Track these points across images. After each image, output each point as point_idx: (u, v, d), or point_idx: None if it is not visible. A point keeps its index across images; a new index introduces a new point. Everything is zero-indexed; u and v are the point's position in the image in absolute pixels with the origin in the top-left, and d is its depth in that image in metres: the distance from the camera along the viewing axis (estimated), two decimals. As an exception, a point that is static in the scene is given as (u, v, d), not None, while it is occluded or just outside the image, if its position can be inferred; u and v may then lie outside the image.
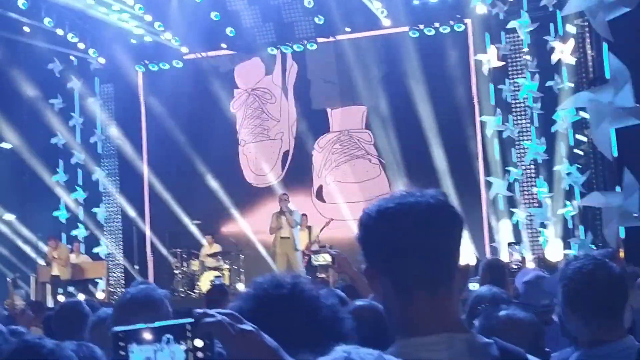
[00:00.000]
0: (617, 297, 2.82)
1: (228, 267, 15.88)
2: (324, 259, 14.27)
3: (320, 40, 17.52)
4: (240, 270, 15.98)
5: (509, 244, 14.91)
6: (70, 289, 16.17)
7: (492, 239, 15.78)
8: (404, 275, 1.76)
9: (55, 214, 17.78)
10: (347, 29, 17.10)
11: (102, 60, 18.25)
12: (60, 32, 16.82)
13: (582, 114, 14.36)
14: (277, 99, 18.08)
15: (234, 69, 18.20)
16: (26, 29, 16.46)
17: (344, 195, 17.20)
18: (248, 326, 1.53)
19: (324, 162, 17.63)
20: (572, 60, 14.71)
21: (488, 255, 14.92)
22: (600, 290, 2.78)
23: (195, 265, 15.97)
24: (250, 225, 17.47)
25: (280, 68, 18.00)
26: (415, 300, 1.76)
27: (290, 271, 10.93)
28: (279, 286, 1.92)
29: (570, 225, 14.89)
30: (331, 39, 17.46)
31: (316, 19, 17.05)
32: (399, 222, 1.77)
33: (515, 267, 12.70)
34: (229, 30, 17.49)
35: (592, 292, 2.78)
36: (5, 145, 16.74)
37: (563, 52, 14.63)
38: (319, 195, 17.59)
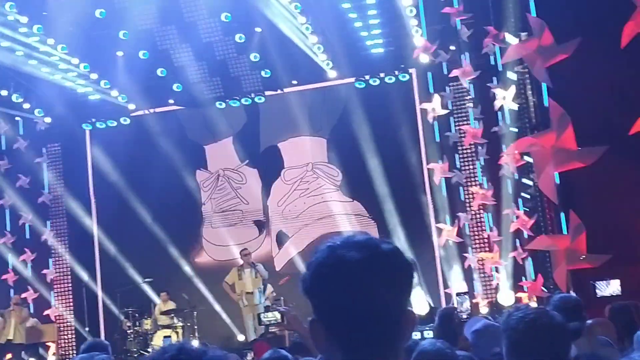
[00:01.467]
0: (560, 345, 2.87)
1: (182, 324, 15.68)
2: (273, 316, 14.21)
3: (267, 93, 17.64)
4: (195, 327, 15.78)
5: (457, 294, 15.03)
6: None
7: (445, 285, 15.87)
8: (347, 331, 1.72)
9: (4, 277, 17.40)
10: (294, 82, 17.26)
11: (48, 120, 18.10)
12: (4, 92, 16.68)
13: (527, 158, 14.66)
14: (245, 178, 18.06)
15: (183, 125, 18.18)
16: (-30, 90, 16.30)
17: (297, 246, 17.21)
18: None
19: (280, 212, 17.64)
20: (514, 106, 15.03)
21: (443, 302, 15.00)
22: (543, 338, 2.82)
23: (147, 324, 15.74)
24: (202, 280, 17.31)
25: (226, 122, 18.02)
26: (359, 356, 1.72)
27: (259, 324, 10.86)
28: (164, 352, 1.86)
29: (522, 269, 15.04)
30: (278, 92, 17.58)
31: (263, 73, 17.19)
32: (337, 276, 1.73)
33: (466, 317, 12.75)
34: (175, 86, 17.53)
35: (536, 341, 2.82)
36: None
37: (505, 98, 14.94)
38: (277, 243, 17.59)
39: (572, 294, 12.23)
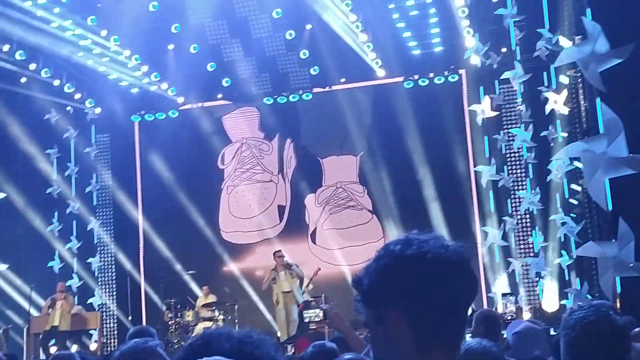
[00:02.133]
0: (619, 349, 2.81)
1: (222, 317, 15.76)
2: (316, 314, 14.20)
3: (315, 90, 17.66)
4: (235, 320, 15.85)
5: (503, 295, 14.87)
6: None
7: (488, 289, 15.72)
8: (430, 330, 1.74)
9: (50, 264, 17.66)
10: (342, 80, 17.25)
11: (98, 111, 18.34)
12: (57, 82, 16.92)
13: (577, 163, 14.43)
14: (272, 149, 18.14)
15: (227, 118, 18.29)
16: (23, 79, 16.55)
17: (337, 242, 17.20)
18: None
19: (319, 214, 17.64)
20: (565, 111, 14.82)
21: (485, 306, 14.85)
22: (601, 341, 2.77)
23: (189, 315, 15.85)
24: (244, 275, 17.41)
25: (274, 119, 18.07)
26: (432, 357, 1.74)
27: (291, 323, 10.84)
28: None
29: (566, 276, 14.85)
30: (327, 89, 17.59)
31: (311, 70, 17.21)
32: (441, 273, 1.75)
33: (510, 318, 12.64)
34: (225, 81, 17.63)
35: (594, 343, 2.76)
36: (1, 195, 16.69)
37: (557, 102, 14.74)
38: (313, 240, 17.58)
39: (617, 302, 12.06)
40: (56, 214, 17.98)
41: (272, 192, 18.03)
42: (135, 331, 5.73)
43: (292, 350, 13.54)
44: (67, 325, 15.49)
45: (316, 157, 17.80)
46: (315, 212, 17.64)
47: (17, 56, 15.71)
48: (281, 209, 17.93)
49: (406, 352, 1.74)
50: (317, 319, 14.35)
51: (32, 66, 16.12)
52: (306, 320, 14.66)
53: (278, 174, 18.06)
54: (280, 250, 15.74)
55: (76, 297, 17.11)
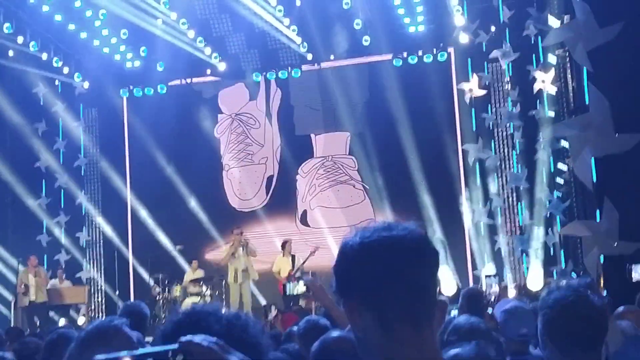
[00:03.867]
0: (596, 330, 2.85)
1: (210, 292, 15.82)
2: (297, 287, 14.22)
3: (304, 67, 17.63)
4: (223, 295, 15.93)
5: (487, 276, 14.98)
6: (51, 313, 16.07)
7: (474, 267, 15.84)
8: (388, 310, 1.74)
9: (37, 237, 17.66)
10: (331, 57, 17.22)
11: (86, 85, 18.26)
12: (44, 56, 16.83)
13: (563, 142, 14.53)
14: (261, 124, 18.15)
15: (217, 94, 18.26)
16: (10, 52, 16.45)
17: (328, 221, 17.26)
18: (235, 357, 1.53)
19: (308, 187, 17.68)
20: (553, 90, 14.89)
21: (471, 284, 14.98)
22: (580, 322, 2.81)
23: (177, 290, 15.91)
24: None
25: (264, 94, 18.07)
26: (398, 334, 1.74)
27: (240, 304, 10.82)
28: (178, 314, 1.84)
29: (551, 253, 14.98)
30: (315, 66, 17.56)
31: (301, 47, 17.17)
32: (385, 256, 1.75)
33: (493, 299, 12.74)
34: (213, 57, 17.58)
35: (572, 324, 2.81)
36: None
37: (544, 81, 14.80)
38: (304, 220, 17.63)
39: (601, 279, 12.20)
40: (44, 187, 17.97)
41: (262, 168, 18.04)
42: (127, 307, 5.75)
43: (273, 319, 13.67)
44: (44, 298, 15.52)
45: (306, 133, 17.81)
46: (303, 185, 17.66)
47: (4, 29, 15.61)
48: (269, 180, 17.93)
49: (374, 336, 1.76)
50: (299, 292, 14.42)
51: (20, 39, 16.01)
52: (288, 293, 14.74)
53: (265, 118, 17.99)
54: (239, 227, 15.76)
55: (64, 271, 17.12)
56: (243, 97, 18.26)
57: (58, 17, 16.10)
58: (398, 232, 1.78)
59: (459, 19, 15.54)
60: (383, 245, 1.76)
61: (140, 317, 5.35)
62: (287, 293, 14.85)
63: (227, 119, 18.31)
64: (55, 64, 17.26)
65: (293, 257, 15.60)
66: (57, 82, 18.20)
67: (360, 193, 17.33)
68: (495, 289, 14.60)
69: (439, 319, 1.81)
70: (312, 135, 17.79)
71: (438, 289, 1.84)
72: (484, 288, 14.50)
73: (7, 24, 15.56)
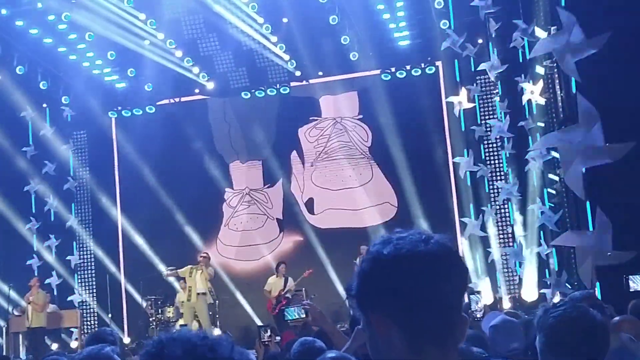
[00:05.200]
0: (599, 345, 2.83)
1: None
2: (297, 314, 14.15)
3: (293, 84, 17.63)
4: (216, 316, 15.85)
5: (471, 293, 14.89)
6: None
7: (469, 280, 15.79)
8: (417, 327, 1.68)
9: (28, 262, 17.53)
10: (320, 73, 17.23)
11: (74, 108, 18.19)
12: (32, 80, 16.77)
13: (554, 153, 14.53)
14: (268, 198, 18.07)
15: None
16: (-2, 77, 16.41)
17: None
18: None
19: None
20: (542, 101, 14.90)
21: (465, 298, 14.93)
22: (583, 338, 2.79)
23: (170, 312, 15.82)
24: (224, 270, 17.39)
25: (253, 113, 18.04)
26: (425, 353, 1.69)
27: (200, 328, 10.74)
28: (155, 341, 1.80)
29: (545, 264, 14.95)
30: (304, 82, 17.57)
31: (289, 64, 17.17)
32: (420, 271, 1.69)
33: (480, 316, 12.69)
34: (201, 76, 17.56)
35: (575, 341, 2.78)
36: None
37: (533, 92, 14.81)
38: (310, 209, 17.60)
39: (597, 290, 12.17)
40: (34, 210, 17.86)
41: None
42: (93, 336, 5.62)
43: (269, 338, 13.60)
44: (41, 322, 15.36)
45: (294, 153, 17.80)
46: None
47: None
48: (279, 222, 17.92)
49: (399, 353, 1.70)
50: (298, 317, 14.36)
51: (8, 63, 15.97)
52: (287, 319, 14.67)
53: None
54: (207, 253, 15.76)
55: (55, 295, 17.00)
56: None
57: (48, 40, 16.08)
58: (434, 246, 1.72)
59: (446, 33, 15.56)
60: (419, 260, 1.70)
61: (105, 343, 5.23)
62: (286, 319, 14.79)
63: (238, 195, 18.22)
64: (42, 87, 17.20)
65: (286, 279, 15.57)
66: (44, 105, 18.11)
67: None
68: (481, 305, 14.52)
69: (463, 335, 1.75)
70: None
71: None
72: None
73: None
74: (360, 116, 17.39)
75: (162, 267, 16.89)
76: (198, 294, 15.13)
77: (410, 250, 1.71)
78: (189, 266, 15.40)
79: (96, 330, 6.92)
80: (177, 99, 18.19)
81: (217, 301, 15.95)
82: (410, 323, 1.69)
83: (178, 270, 15.53)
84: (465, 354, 3.04)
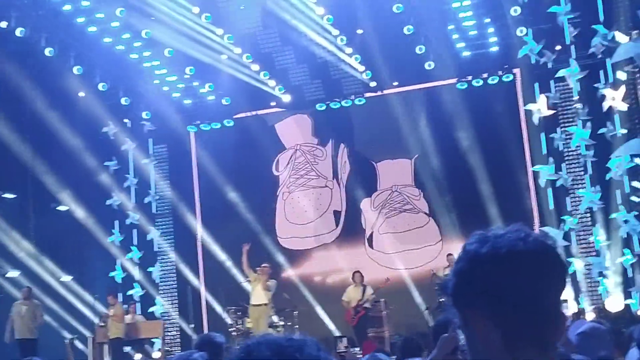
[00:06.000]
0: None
1: (282, 323, 15.83)
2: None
3: (368, 95, 17.66)
4: (295, 326, 15.92)
5: None
6: (127, 348, 16.27)
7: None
8: (515, 326, 1.67)
9: (112, 274, 17.95)
10: (395, 83, 17.21)
11: (154, 122, 18.58)
12: (114, 96, 17.22)
13: (637, 160, 14.18)
14: (326, 154, 18.19)
15: (277, 125, 18.41)
16: (81, 93, 16.88)
17: (394, 246, 17.19)
18: None
19: (376, 218, 17.63)
20: (624, 107, 14.55)
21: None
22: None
23: (249, 322, 15.95)
24: (302, 281, 17.49)
25: (328, 125, 18.13)
26: (522, 352, 1.67)
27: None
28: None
29: (630, 274, 14.58)
30: (379, 93, 17.57)
31: (364, 75, 17.20)
32: (519, 270, 1.67)
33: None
34: (277, 88, 17.74)
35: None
36: (62, 208, 17.03)
37: (614, 98, 14.48)
38: (370, 244, 17.59)
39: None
40: (117, 224, 18.28)
41: (327, 197, 18.10)
42: (202, 338, 5.77)
43: (345, 348, 13.72)
44: (120, 333, 15.72)
45: (370, 161, 17.81)
46: (372, 216, 17.66)
47: (75, 71, 16.07)
48: (337, 214, 17.97)
49: (496, 352, 1.69)
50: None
51: (90, 80, 16.45)
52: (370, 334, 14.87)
53: (333, 179, 18.11)
54: (267, 265, 15.64)
55: (138, 306, 17.36)
56: (307, 129, 18.36)
57: (134, 56, 16.50)
58: (533, 244, 1.70)
59: (524, 40, 15.36)
60: (518, 259, 1.68)
61: (215, 348, 5.39)
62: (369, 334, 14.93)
63: (290, 151, 18.40)
64: (124, 103, 17.65)
65: (364, 287, 15.55)
66: (126, 120, 18.55)
67: (426, 219, 17.23)
68: (567, 313, 14.24)
69: (562, 333, 1.73)
70: (376, 164, 17.75)
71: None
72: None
73: (77, 67, 16.02)
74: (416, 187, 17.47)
75: (241, 278, 17.08)
76: (256, 304, 15.20)
77: (509, 249, 1.69)
78: (254, 274, 15.53)
79: (204, 334, 7.03)
80: (254, 112, 18.40)
81: (295, 312, 16.03)
82: (509, 322, 1.67)
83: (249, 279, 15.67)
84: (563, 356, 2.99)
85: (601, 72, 14.97)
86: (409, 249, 16.95)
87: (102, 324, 16.04)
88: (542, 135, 15.82)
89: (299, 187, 18.25)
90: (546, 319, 1.69)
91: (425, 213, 17.25)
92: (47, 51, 15.43)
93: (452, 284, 1.76)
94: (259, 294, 15.15)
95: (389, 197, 17.61)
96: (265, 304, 15.16)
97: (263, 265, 15.65)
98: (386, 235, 17.45)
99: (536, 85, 15.93)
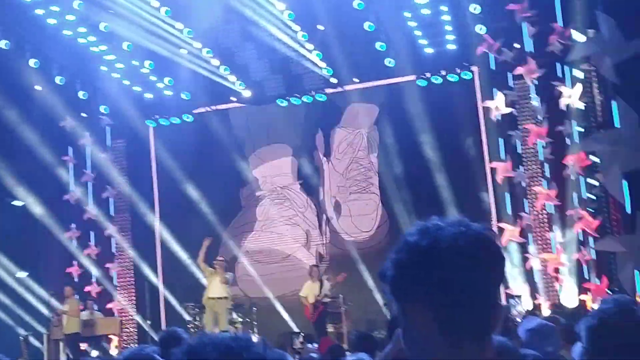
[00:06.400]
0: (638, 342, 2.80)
1: (241, 320, 15.79)
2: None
3: (328, 90, 17.67)
4: (254, 323, 15.89)
5: (509, 296, 14.75)
6: (83, 345, 16.11)
7: (505, 286, 15.63)
8: (451, 316, 1.68)
9: (68, 270, 17.74)
10: (356, 80, 17.24)
11: (112, 117, 18.40)
12: (71, 90, 17.00)
13: (593, 158, 14.37)
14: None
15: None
16: (38, 87, 16.63)
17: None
18: None
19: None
20: (580, 105, 14.73)
21: (503, 302, 14.80)
22: (621, 333, 2.77)
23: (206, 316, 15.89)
24: (262, 278, 17.45)
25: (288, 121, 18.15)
26: (458, 340, 1.69)
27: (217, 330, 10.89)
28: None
29: (585, 271, 14.77)
30: (339, 89, 17.60)
31: (324, 71, 17.21)
32: (456, 261, 1.68)
33: (519, 320, 12.59)
34: (238, 84, 17.68)
35: (614, 335, 2.77)
36: (18, 203, 16.79)
37: (571, 97, 14.66)
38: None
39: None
40: (74, 219, 18.06)
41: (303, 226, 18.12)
42: (165, 333, 5.68)
43: (301, 344, 13.69)
44: (76, 328, 15.56)
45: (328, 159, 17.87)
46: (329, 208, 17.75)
47: (32, 65, 15.85)
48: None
49: (433, 342, 1.70)
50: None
51: (47, 74, 16.23)
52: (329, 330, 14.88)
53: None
54: (222, 258, 15.77)
55: (95, 303, 17.18)
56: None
57: (92, 49, 16.29)
58: (473, 237, 1.71)
59: (482, 38, 15.48)
60: (459, 252, 1.69)
61: (179, 343, 5.32)
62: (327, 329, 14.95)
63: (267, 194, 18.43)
64: (81, 97, 17.43)
65: (321, 282, 15.56)
66: (83, 115, 18.32)
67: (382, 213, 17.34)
68: (520, 309, 14.39)
69: (498, 323, 1.74)
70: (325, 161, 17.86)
71: (498, 293, 1.76)
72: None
73: (34, 60, 15.79)
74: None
75: (199, 274, 17.00)
76: (213, 297, 15.14)
77: (448, 241, 1.70)
78: (210, 269, 15.47)
79: (168, 329, 6.92)
80: (213, 107, 18.30)
81: (254, 308, 15.99)
82: (447, 313, 1.69)
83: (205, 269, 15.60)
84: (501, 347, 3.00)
85: (558, 70, 15.13)
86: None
87: (56, 325, 15.81)
88: (500, 133, 15.94)
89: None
90: (484, 310, 1.70)
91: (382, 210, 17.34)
92: (3, 44, 15.18)
93: (391, 274, 1.76)
94: (217, 287, 15.10)
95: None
96: (226, 297, 15.13)
97: (219, 258, 15.60)
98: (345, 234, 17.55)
99: (494, 82, 16.03)
